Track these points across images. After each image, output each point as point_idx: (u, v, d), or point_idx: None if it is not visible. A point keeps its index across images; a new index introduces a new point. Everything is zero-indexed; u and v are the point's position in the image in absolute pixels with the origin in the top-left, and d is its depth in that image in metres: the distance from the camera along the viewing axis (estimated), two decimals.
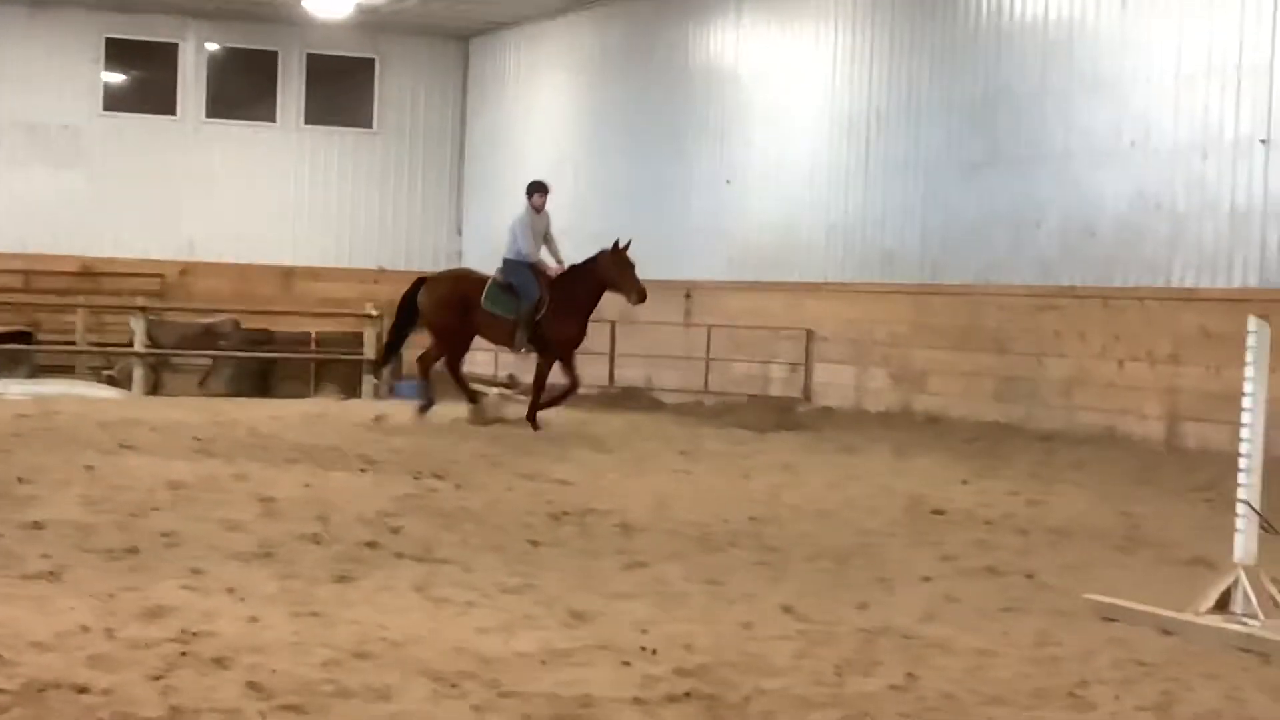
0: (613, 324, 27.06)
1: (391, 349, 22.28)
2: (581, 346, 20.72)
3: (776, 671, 8.07)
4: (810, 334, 23.99)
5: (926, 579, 10.97)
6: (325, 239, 35.12)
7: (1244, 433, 9.48)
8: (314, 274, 34.39)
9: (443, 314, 20.73)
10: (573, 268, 20.33)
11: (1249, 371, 9.54)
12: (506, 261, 20.39)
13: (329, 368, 27.12)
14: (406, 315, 21.19)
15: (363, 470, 16.06)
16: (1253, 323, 9.65)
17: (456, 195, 35.60)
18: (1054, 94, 20.20)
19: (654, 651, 8.44)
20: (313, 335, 27.95)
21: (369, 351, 26.20)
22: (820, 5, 24.34)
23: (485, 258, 32.94)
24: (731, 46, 26.53)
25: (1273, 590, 9.25)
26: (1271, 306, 15.64)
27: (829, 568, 11.43)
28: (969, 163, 21.49)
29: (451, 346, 20.93)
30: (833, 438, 20.21)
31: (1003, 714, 7.30)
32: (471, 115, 34.86)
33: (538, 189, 20.76)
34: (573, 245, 29.93)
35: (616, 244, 20.02)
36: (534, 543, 12.16)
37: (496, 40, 33.92)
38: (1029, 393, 19.61)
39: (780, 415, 22.34)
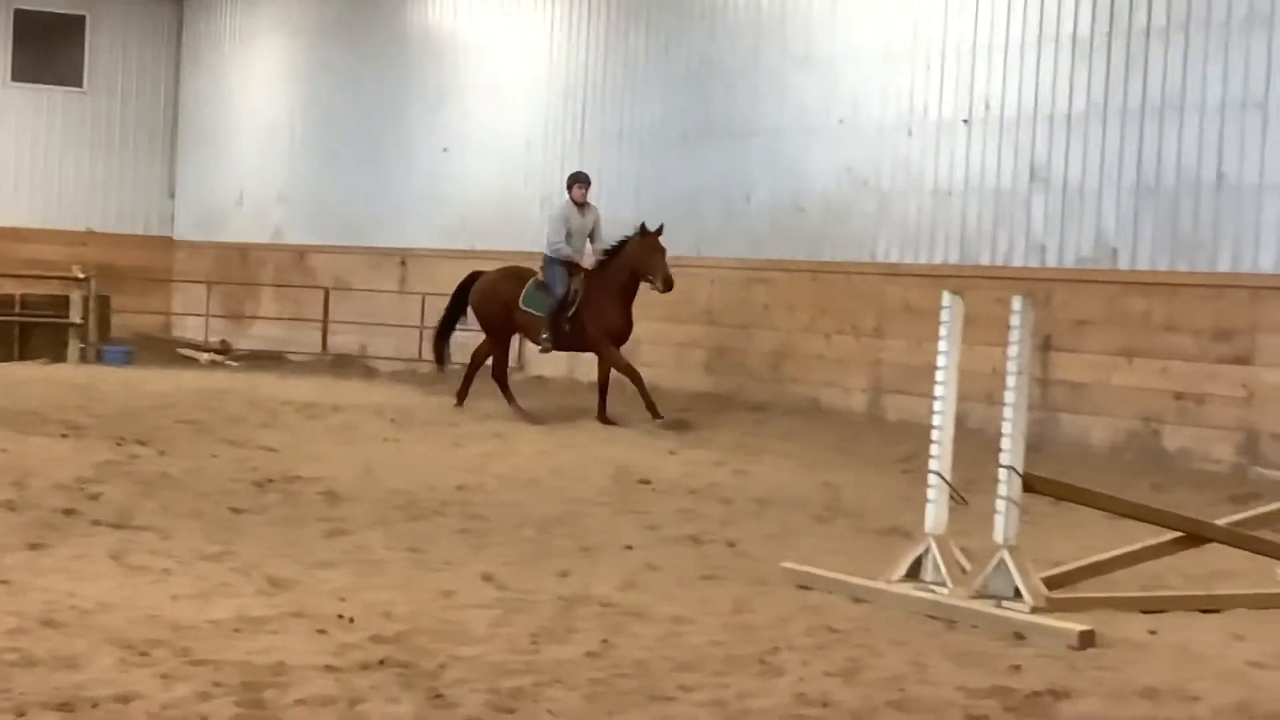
0: (326, 290, 26.84)
1: (441, 338, 20.71)
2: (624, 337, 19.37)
3: (473, 639, 8.06)
4: None
5: (629, 548, 11.04)
6: (32, 199, 34.02)
7: (936, 405, 9.70)
8: (19, 235, 33.29)
9: (485, 311, 19.89)
10: (603, 258, 19.17)
11: (942, 345, 9.76)
12: (545, 258, 19.39)
13: (35, 331, 26.30)
14: (457, 306, 20.30)
15: (64, 435, 15.69)
16: (946, 298, 9.87)
17: (169, 158, 34.69)
18: (766, 70, 20.44)
19: (351, 619, 8.37)
20: (17, 298, 27.05)
21: (75, 315, 25.54)
22: None
23: (199, 222, 32.52)
24: (451, 14, 26.35)
25: (961, 559, 9.48)
26: (968, 282, 16.09)
27: (533, 536, 11.42)
28: (683, 136, 21.65)
29: (494, 345, 20.00)
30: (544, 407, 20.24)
31: (693, 680, 7.37)
32: (186, 77, 34.02)
33: (576, 180, 19.49)
34: (288, 213, 29.73)
35: (644, 228, 18.67)
36: (236, 510, 11.99)
37: (213, 0, 33.19)
38: (739, 364, 19.86)
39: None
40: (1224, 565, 10.70)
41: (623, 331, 19.12)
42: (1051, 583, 9.29)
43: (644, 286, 18.85)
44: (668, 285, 18.37)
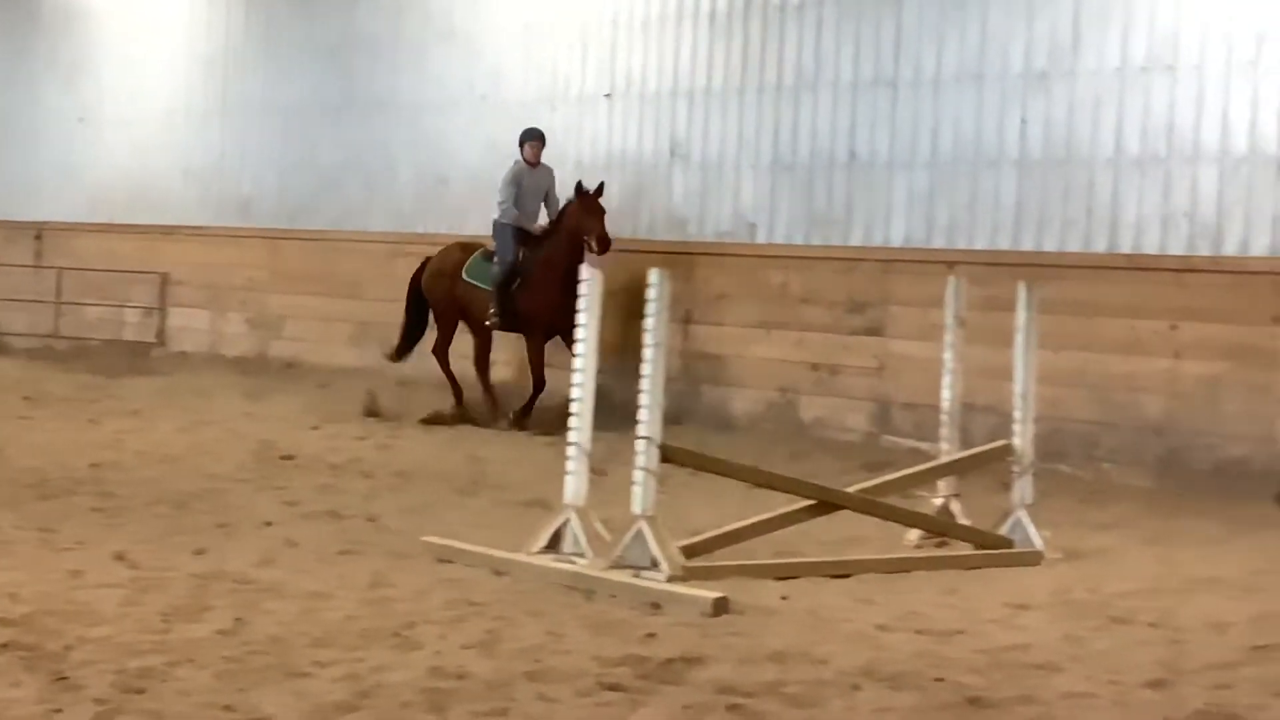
0: None
1: (406, 342, 18.22)
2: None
3: (102, 620, 7.84)
4: (165, 278, 23.40)
5: (268, 524, 10.88)
6: None
7: (575, 378, 9.75)
8: None
9: (432, 289, 17.79)
10: (548, 226, 17.14)
11: (581, 318, 9.81)
12: (494, 225, 17.28)
13: None
14: (414, 301, 18.08)
15: None
16: (585, 271, 9.93)
17: None
18: (408, 43, 20.32)
19: None
20: None
21: None
22: None
23: None
24: None
25: (601, 530, 9.56)
26: (609, 255, 16.19)
27: (168, 514, 11.18)
28: (327, 109, 21.39)
29: (439, 326, 17.84)
30: (186, 383, 19.83)
31: (328, 655, 7.28)
32: None
33: (528, 138, 17.29)
34: None
35: (580, 188, 16.70)
36: None
37: None
38: (385, 338, 19.69)
39: (133, 360, 21.79)
40: (855, 532, 10.99)
41: (555, 310, 15.75)
42: (689, 552, 9.42)
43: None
44: (603, 245, 16.21)
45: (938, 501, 11.59)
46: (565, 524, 9.59)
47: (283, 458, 14.12)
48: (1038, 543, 10.99)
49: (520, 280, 16.91)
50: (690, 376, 16.96)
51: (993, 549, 10.83)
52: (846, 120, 16.10)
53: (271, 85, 22.25)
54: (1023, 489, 11.29)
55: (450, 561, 9.70)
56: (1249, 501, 13.12)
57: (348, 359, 20.46)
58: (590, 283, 9.78)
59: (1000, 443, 12.00)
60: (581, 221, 16.49)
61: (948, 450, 11.85)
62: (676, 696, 6.91)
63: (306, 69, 21.75)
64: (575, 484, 9.62)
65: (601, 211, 16.61)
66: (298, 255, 21.51)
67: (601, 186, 16.68)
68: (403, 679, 6.96)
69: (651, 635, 7.99)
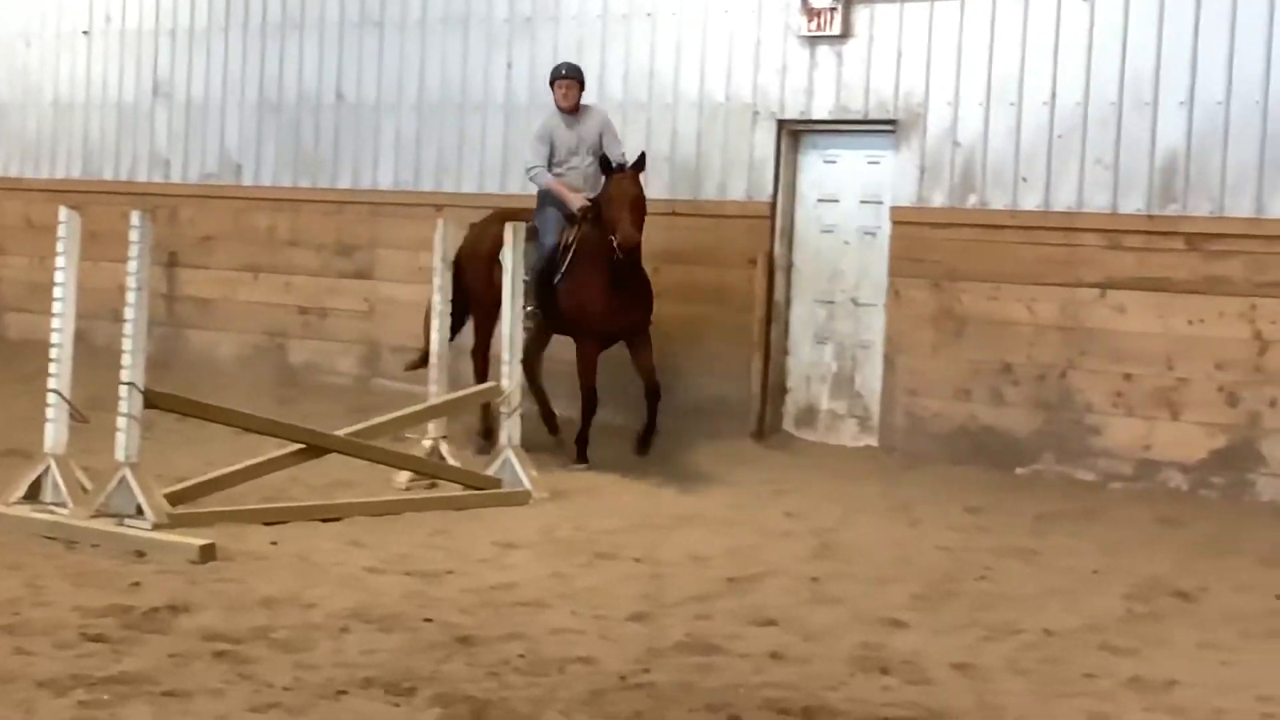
0: None
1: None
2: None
3: None
4: None
5: None
6: None
7: (55, 323, 9.52)
8: None
9: (470, 271, 13.14)
10: (590, 202, 12.82)
11: (60, 261, 9.60)
12: (538, 195, 13.31)
13: None
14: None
15: None
16: (63, 213, 9.69)
17: None
18: None
19: None
20: None
21: None
22: None
23: None
24: None
25: (82, 478, 9.37)
26: (92, 197, 15.83)
27: None
28: None
29: (475, 322, 13.52)
30: None
31: None
32: None
33: (556, 76, 13.15)
34: None
35: (606, 162, 12.57)
36: None
37: None
38: None
39: None
40: (345, 475, 11.10)
41: (605, 310, 12.57)
42: (175, 498, 9.34)
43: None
44: (626, 244, 12.25)
45: (427, 443, 11.73)
46: (45, 473, 9.38)
47: None
48: (526, 482, 11.25)
49: (564, 270, 12.86)
50: (176, 320, 16.66)
51: (482, 489, 11.04)
52: (334, 61, 16.02)
53: None
54: (510, 429, 11.51)
55: None
56: (729, 438, 13.73)
57: None
58: (69, 225, 9.57)
59: (488, 384, 12.22)
60: (608, 210, 12.42)
61: (436, 392, 12.01)
62: (162, 645, 6.85)
63: None
64: (55, 431, 9.41)
65: (634, 198, 12.42)
66: None
67: (642, 159, 12.74)
68: None
69: (136, 584, 7.91)
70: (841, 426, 13.93)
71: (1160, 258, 12.25)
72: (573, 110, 12.97)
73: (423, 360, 12.64)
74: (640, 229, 12.34)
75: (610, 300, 12.45)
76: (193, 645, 6.85)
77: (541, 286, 12.75)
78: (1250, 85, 11.93)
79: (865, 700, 6.69)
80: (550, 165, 12.92)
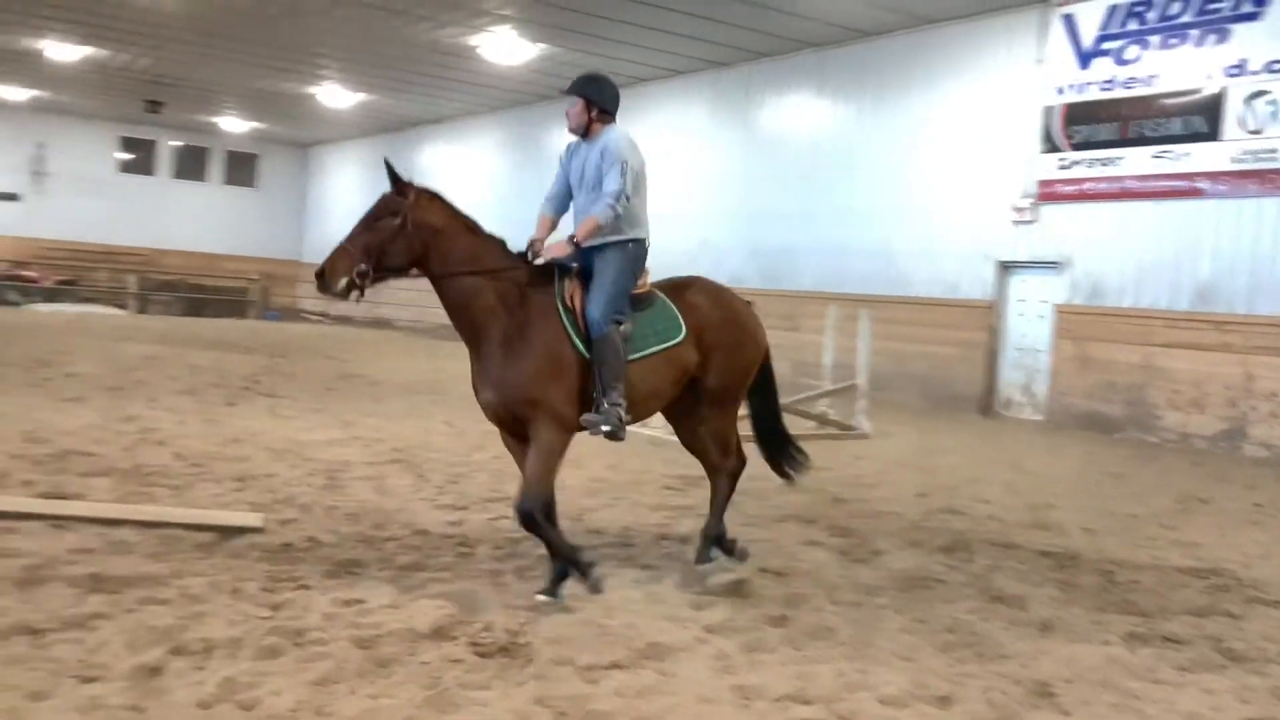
0: None
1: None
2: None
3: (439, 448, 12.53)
4: None
5: None
6: (225, 237, 54.04)
7: None
8: (222, 257, 52.57)
9: None
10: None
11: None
12: None
13: (229, 305, 41.39)
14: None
15: (246, 352, 23.15)
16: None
17: None
18: None
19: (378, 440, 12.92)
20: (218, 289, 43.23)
21: (251, 295, 41.96)
22: None
23: None
24: None
25: None
26: None
27: None
28: None
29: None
30: None
31: None
32: None
33: (566, 95, 9.61)
34: None
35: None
36: (328, 389, 18.20)
37: None
38: None
39: None
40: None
41: (512, 390, 8.79)
42: None
43: None
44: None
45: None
46: None
47: None
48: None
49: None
50: None
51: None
52: None
53: None
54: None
55: None
56: (967, 413, 20.99)
57: None
58: None
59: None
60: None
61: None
62: None
63: None
64: None
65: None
66: None
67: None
68: None
69: None
70: (1022, 411, 22.52)
71: None
72: (584, 134, 9.59)
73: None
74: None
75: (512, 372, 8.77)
76: None
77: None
78: None
79: (1031, 543, 10.53)
80: (569, 200, 9.67)
